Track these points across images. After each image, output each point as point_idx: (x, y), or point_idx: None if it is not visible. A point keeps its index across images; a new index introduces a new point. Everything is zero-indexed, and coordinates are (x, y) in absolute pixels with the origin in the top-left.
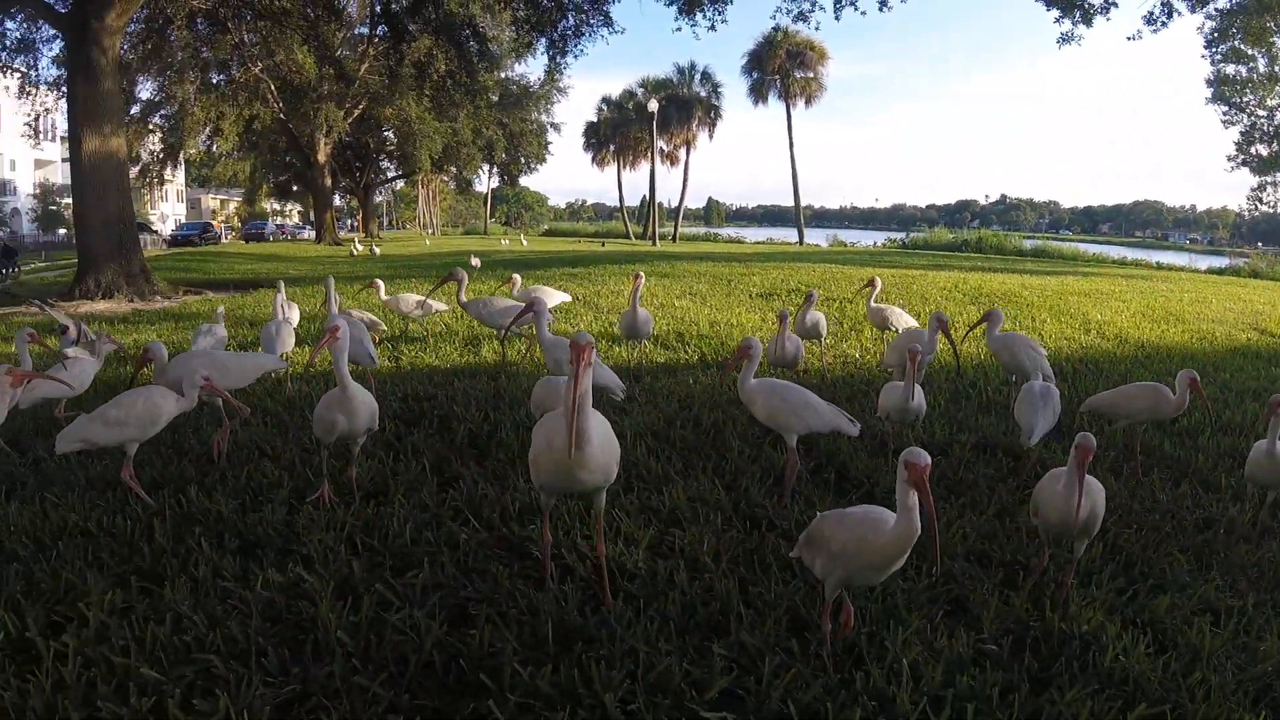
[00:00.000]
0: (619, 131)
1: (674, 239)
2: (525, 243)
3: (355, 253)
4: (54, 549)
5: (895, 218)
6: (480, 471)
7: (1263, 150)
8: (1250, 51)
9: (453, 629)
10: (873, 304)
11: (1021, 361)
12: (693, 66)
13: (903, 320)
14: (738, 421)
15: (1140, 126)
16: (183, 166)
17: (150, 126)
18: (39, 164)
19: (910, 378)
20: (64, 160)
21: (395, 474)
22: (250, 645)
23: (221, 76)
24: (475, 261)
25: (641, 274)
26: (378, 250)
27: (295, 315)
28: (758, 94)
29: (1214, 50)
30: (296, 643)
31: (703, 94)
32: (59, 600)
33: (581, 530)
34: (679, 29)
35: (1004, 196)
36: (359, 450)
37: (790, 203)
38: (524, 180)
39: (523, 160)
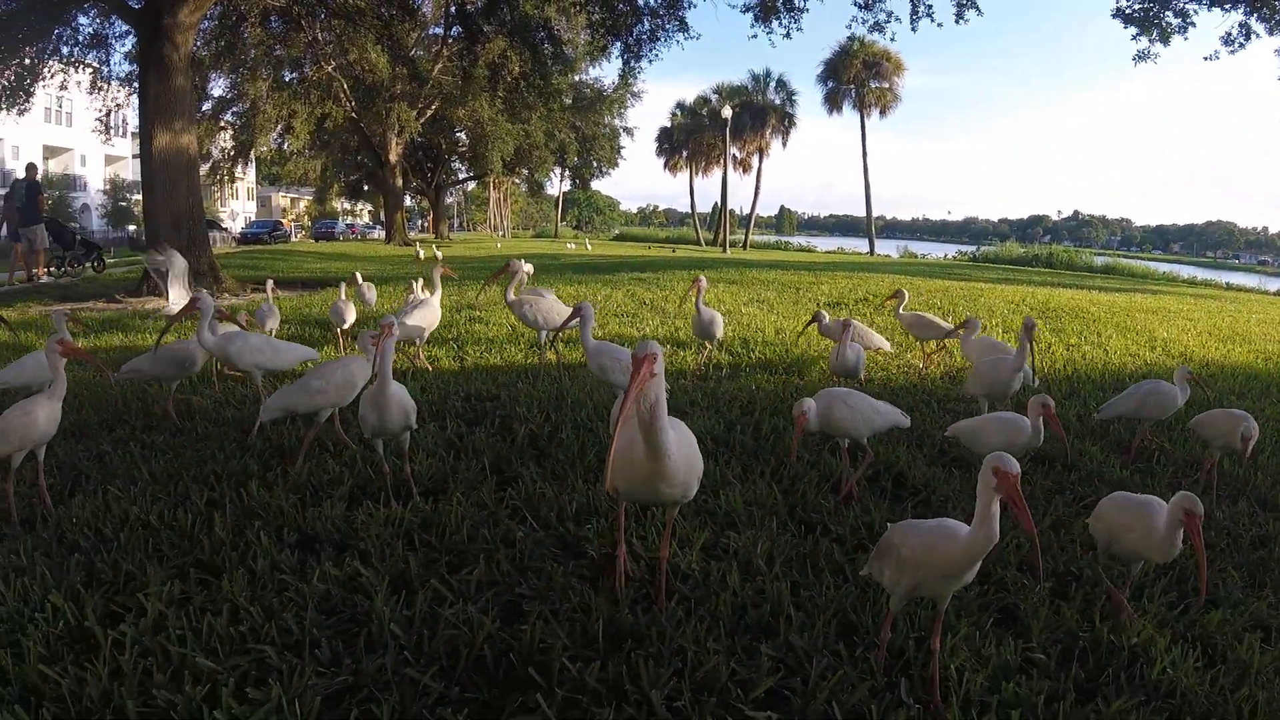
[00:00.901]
0: (692, 137)
1: (745, 246)
2: (590, 246)
3: (422, 256)
4: (115, 541)
5: (967, 231)
6: (539, 471)
7: None
8: None
9: (505, 625)
10: (902, 312)
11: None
12: (767, 74)
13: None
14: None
15: (1215, 147)
16: (253, 164)
17: (222, 124)
18: (109, 160)
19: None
20: (134, 156)
21: (455, 472)
22: (304, 636)
23: (294, 74)
24: (528, 267)
25: (703, 277)
26: (440, 254)
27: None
28: (832, 103)
29: None
30: (350, 635)
31: (777, 101)
32: (118, 591)
33: (637, 530)
34: (754, 36)
35: (1076, 213)
36: (407, 447)
37: (862, 213)
38: (596, 184)
39: (595, 164)
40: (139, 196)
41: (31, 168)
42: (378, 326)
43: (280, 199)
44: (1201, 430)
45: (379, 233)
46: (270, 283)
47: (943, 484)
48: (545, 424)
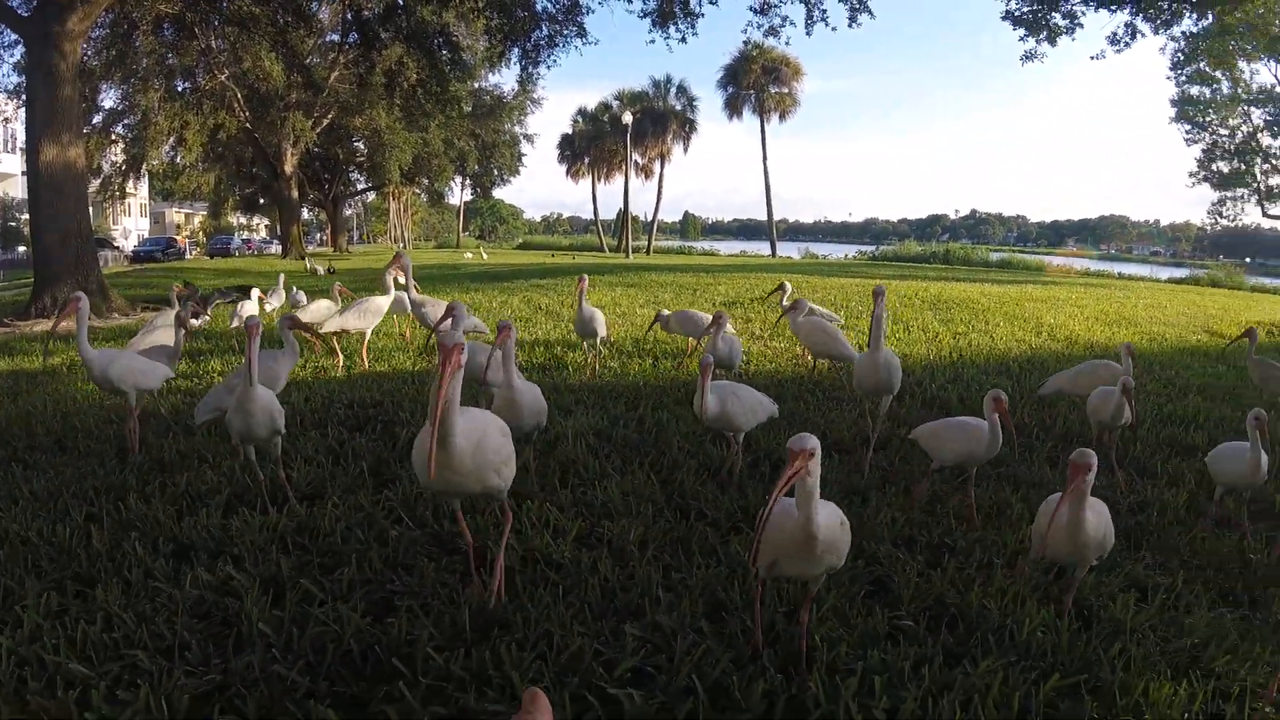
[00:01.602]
0: (594, 144)
1: (648, 251)
2: (486, 256)
3: (320, 271)
4: None
5: (868, 231)
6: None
7: (1223, 167)
8: (1214, 73)
9: (376, 621)
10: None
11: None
12: (668, 80)
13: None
14: (682, 420)
15: (1107, 143)
16: (146, 179)
17: (112, 136)
18: None
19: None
20: (24, 174)
21: (333, 478)
22: (175, 640)
23: (187, 84)
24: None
25: (585, 276)
26: (329, 269)
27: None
28: (732, 108)
29: (1179, 72)
30: (221, 637)
31: (678, 107)
32: None
33: (514, 524)
34: (652, 41)
35: (974, 211)
36: (279, 453)
37: (765, 216)
38: (498, 193)
39: (495, 172)
40: (29, 215)
41: None
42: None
43: (174, 215)
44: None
45: (276, 247)
46: (176, 288)
47: (828, 470)
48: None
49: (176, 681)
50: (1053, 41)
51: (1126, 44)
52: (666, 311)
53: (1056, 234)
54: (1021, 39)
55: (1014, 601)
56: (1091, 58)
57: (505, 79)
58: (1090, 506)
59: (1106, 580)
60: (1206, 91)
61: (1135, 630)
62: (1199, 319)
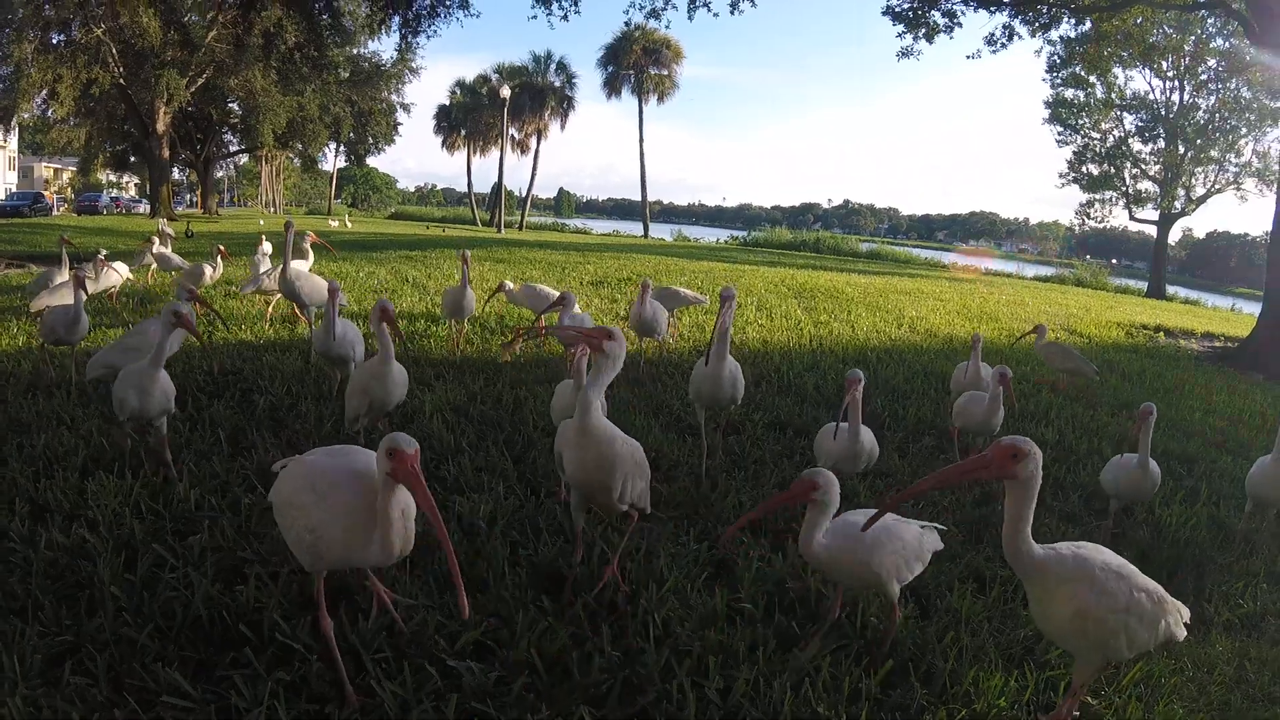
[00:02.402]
0: (471, 116)
1: (520, 227)
2: (350, 224)
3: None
4: None
5: (741, 216)
6: (275, 441)
7: (1093, 170)
8: (1089, 78)
9: (227, 588)
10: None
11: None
12: (549, 56)
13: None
14: (539, 399)
15: (978, 143)
16: (15, 131)
17: None
18: None
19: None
20: None
21: (190, 444)
22: (29, 600)
23: (62, 37)
24: (266, 246)
25: (468, 252)
26: (169, 232)
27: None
28: (611, 87)
29: (1055, 75)
30: (74, 599)
31: (557, 84)
32: None
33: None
34: (534, 17)
35: (847, 201)
36: (166, 432)
37: (639, 196)
38: (372, 161)
39: (371, 140)
40: None
41: None
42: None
43: (43, 169)
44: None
45: (145, 206)
46: (65, 240)
47: (672, 448)
48: (286, 396)
49: (29, 641)
50: (930, 39)
51: (1003, 45)
52: (510, 284)
53: (927, 227)
54: (900, 35)
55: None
56: (968, 57)
57: (384, 47)
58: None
59: (946, 569)
60: (1080, 95)
61: (970, 620)
62: (1060, 317)
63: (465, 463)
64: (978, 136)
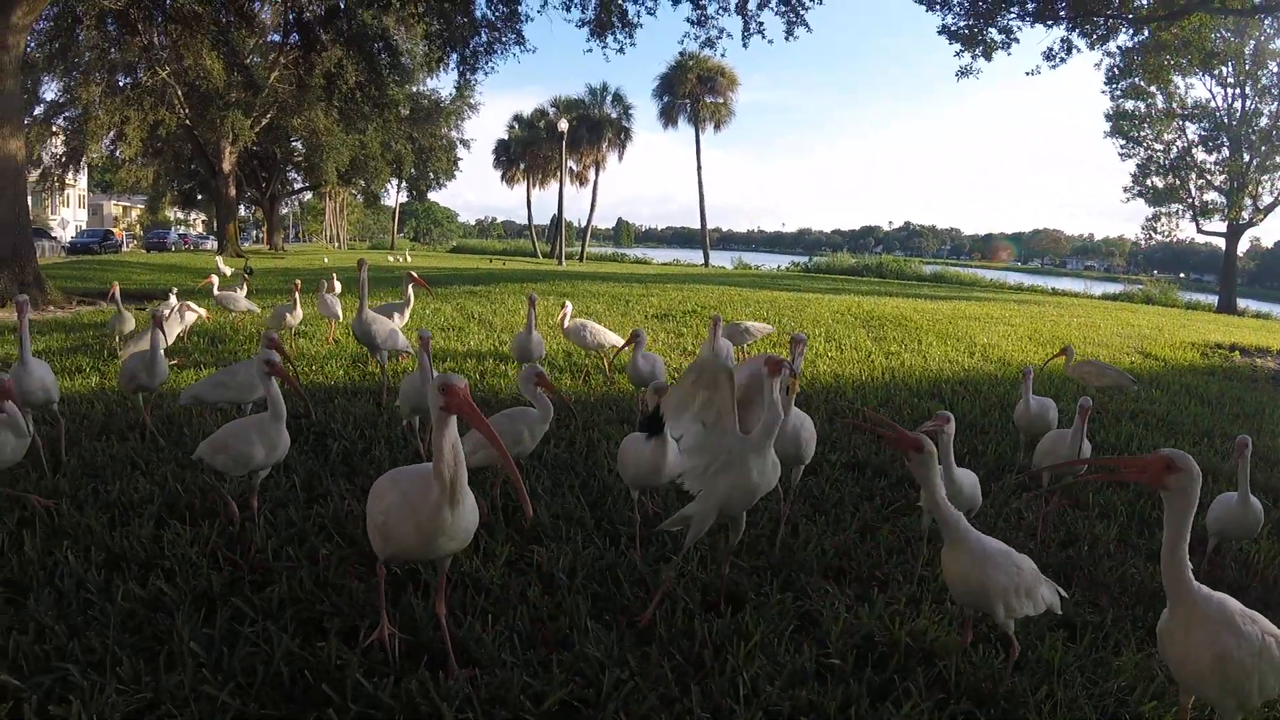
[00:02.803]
0: (529, 150)
1: (581, 258)
2: (410, 259)
3: (228, 273)
4: None
5: (800, 242)
6: (350, 488)
7: (1158, 182)
8: (1149, 88)
9: (305, 642)
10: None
11: None
12: (604, 87)
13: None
14: (612, 441)
15: (1042, 157)
16: (85, 171)
17: (53, 128)
18: None
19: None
20: None
21: (264, 490)
22: (107, 655)
23: (128, 79)
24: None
25: (535, 295)
26: (226, 270)
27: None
28: (668, 117)
29: (1114, 86)
30: (152, 653)
31: (614, 115)
32: None
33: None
34: (590, 50)
35: (908, 223)
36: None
37: (698, 224)
38: (433, 196)
39: (431, 175)
40: None
41: None
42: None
43: (112, 207)
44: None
45: (212, 243)
46: (115, 288)
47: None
48: (360, 441)
49: (108, 698)
50: (988, 57)
51: (1062, 59)
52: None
53: (990, 247)
54: (957, 54)
55: (943, 638)
56: (1027, 73)
57: (443, 84)
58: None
59: (1036, 618)
60: (1141, 106)
61: (1063, 671)
62: (1132, 339)
63: (542, 510)
64: (1040, 153)
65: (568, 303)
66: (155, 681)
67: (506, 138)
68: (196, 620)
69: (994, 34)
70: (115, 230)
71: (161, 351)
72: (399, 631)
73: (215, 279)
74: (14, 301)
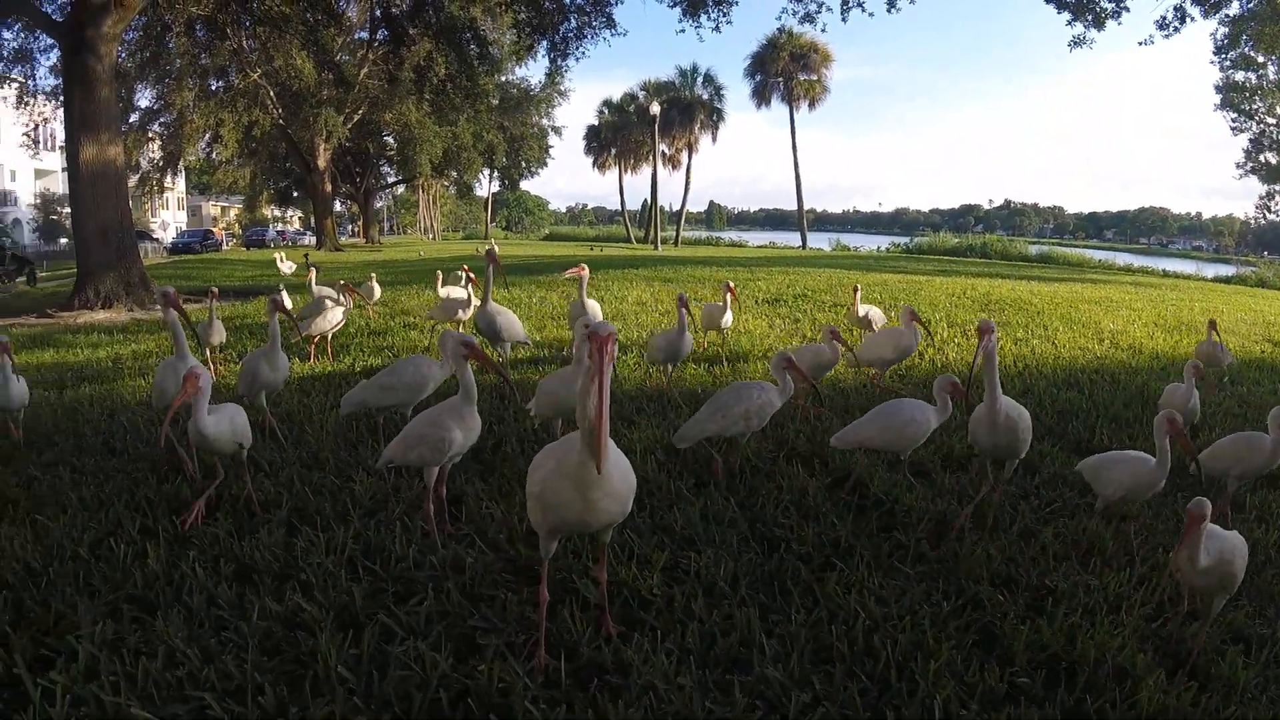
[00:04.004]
0: (620, 135)
1: (675, 243)
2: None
3: (286, 270)
4: (44, 575)
5: (898, 222)
6: (484, 489)
7: (1271, 158)
8: (1260, 59)
9: (459, 662)
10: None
11: None
12: (694, 69)
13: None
14: (755, 437)
15: (1147, 132)
16: (183, 174)
17: (149, 134)
18: (39, 174)
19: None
20: (64, 170)
21: (397, 490)
22: (247, 681)
23: (220, 83)
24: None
25: (685, 295)
26: (287, 266)
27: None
28: (760, 96)
29: (1223, 57)
30: (295, 678)
31: (705, 96)
32: (48, 632)
33: (590, 554)
34: (682, 30)
35: (1008, 201)
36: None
37: (792, 206)
38: (525, 184)
39: (523, 164)
40: (70, 210)
41: None
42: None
43: (210, 208)
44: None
45: (310, 238)
46: (213, 292)
47: (905, 493)
48: (489, 437)
49: None
50: (1100, 26)
51: (1175, 28)
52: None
53: (1094, 226)
54: (1069, 23)
55: (1126, 654)
56: (1139, 43)
57: (532, 72)
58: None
59: (1210, 631)
60: (1252, 77)
61: (1245, 690)
62: (1258, 325)
63: (693, 513)
64: (1147, 128)
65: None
66: (302, 712)
67: (596, 123)
68: (341, 640)
69: (1104, 1)
70: (215, 229)
71: (279, 343)
72: (560, 649)
73: (280, 261)
74: (159, 294)
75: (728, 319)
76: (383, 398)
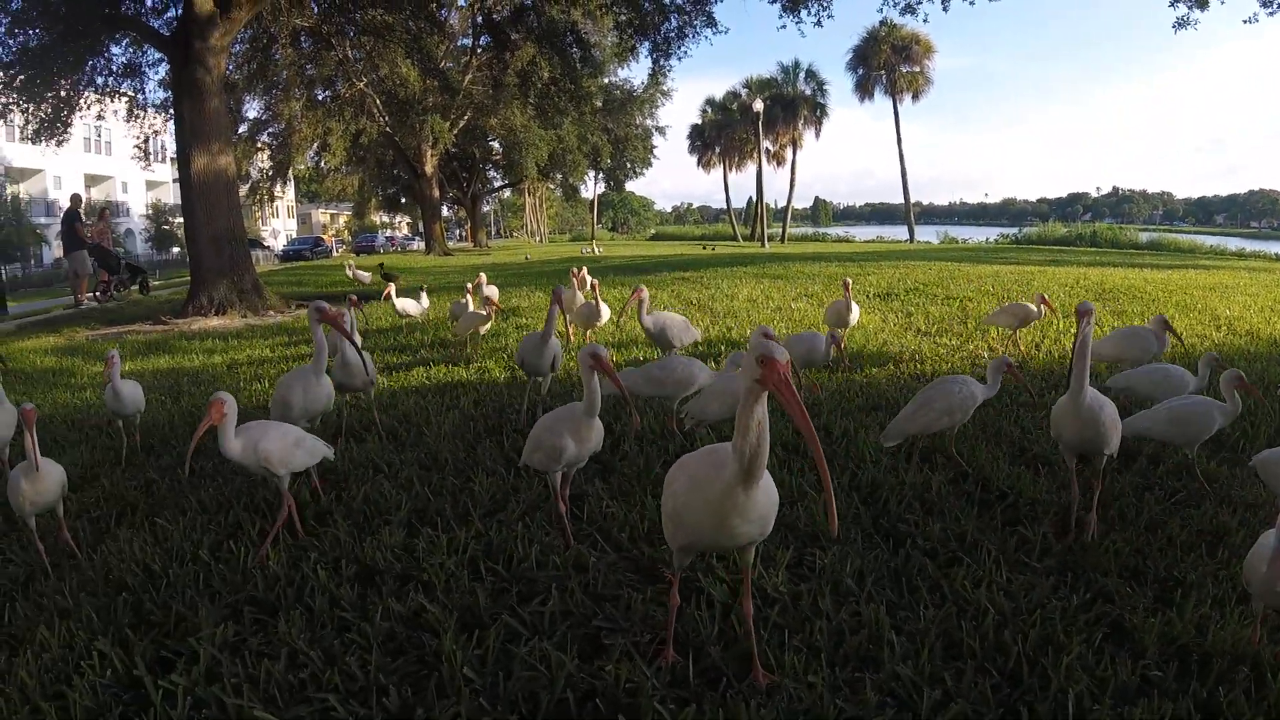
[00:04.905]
0: (724, 133)
1: (782, 239)
2: (601, 250)
3: (357, 277)
4: (164, 578)
5: (1005, 213)
6: (605, 488)
7: None
8: None
9: (585, 662)
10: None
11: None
12: (796, 65)
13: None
14: (870, 430)
15: (1257, 114)
16: (292, 182)
17: (259, 144)
18: (150, 185)
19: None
20: (174, 181)
21: (515, 490)
22: (370, 683)
23: (327, 93)
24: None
25: (643, 287)
26: (357, 274)
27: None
28: (863, 90)
29: None
30: (419, 679)
31: (807, 92)
32: (169, 634)
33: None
34: (783, 26)
35: (1116, 189)
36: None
37: (898, 200)
38: (629, 185)
39: (628, 164)
40: (181, 219)
41: (74, 198)
42: None
43: (320, 215)
44: None
45: (418, 244)
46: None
47: (1029, 486)
48: (607, 437)
49: None
50: (1203, 5)
51: (1279, 4)
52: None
53: (1204, 211)
54: (1171, 4)
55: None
56: (1244, 21)
57: (635, 73)
58: None
59: None
60: None
61: None
62: None
63: (816, 509)
64: (1255, 109)
65: (642, 288)
66: (427, 713)
67: (700, 122)
68: (466, 641)
69: None
70: (325, 236)
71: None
72: (687, 648)
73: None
74: (311, 308)
75: (855, 315)
76: (648, 389)
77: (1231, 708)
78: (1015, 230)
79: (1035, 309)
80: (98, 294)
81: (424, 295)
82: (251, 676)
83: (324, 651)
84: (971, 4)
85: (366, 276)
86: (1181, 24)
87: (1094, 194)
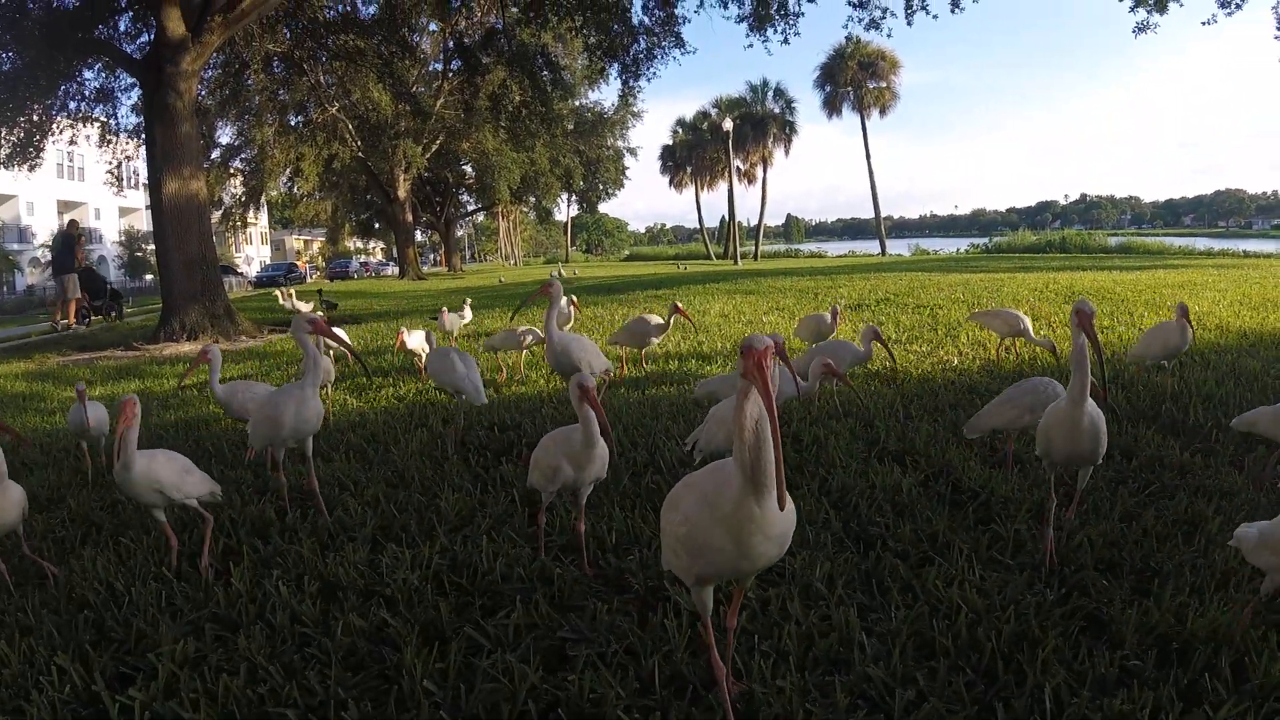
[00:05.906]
0: (695, 152)
1: (755, 257)
2: (577, 272)
3: (289, 304)
4: (127, 595)
5: (976, 223)
6: (571, 500)
7: None
8: None
9: (549, 674)
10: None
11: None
12: (765, 83)
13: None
14: (839, 436)
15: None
16: (265, 208)
17: (231, 170)
18: (123, 211)
19: None
20: (147, 207)
21: (483, 505)
22: (330, 697)
23: (299, 118)
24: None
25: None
26: (301, 305)
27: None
28: (831, 107)
29: None
30: (380, 694)
31: (776, 110)
32: (130, 650)
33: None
34: (750, 45)
35: (1084, 195)
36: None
37: (869, 214)
38: (603, 206)
39: (601, 186)
40: (154, 246)
41: (72, 224)
42: None
43: (293, 241)
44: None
45: (393, 269)
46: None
47: (1001, 484)
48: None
49: None
50: (1162, 9)
51: (1238, 5)
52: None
53: (1173, 213)
54: (1131, 9)
55: (1238, 632)
56: (1203, 23)
57: (606, 94)
58: None
59: None
60: None
61: None
62: None
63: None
64: (1218, 111)
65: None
66: None
67: (671, 142)
68: (428, 654)
69: None
70: (299, 263)
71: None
72: (653, 657)
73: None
74: (304, 320)
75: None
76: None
77: (1214, 694)
78: (986, 240)
79: (1029, 325)
80: (78, 318)
81: (467, 308)
82: (210, 692)
83: (284, 667)
84: (934, 17)
85: (306, 307)
86: (1142, 28)
87: (1062, 201)
